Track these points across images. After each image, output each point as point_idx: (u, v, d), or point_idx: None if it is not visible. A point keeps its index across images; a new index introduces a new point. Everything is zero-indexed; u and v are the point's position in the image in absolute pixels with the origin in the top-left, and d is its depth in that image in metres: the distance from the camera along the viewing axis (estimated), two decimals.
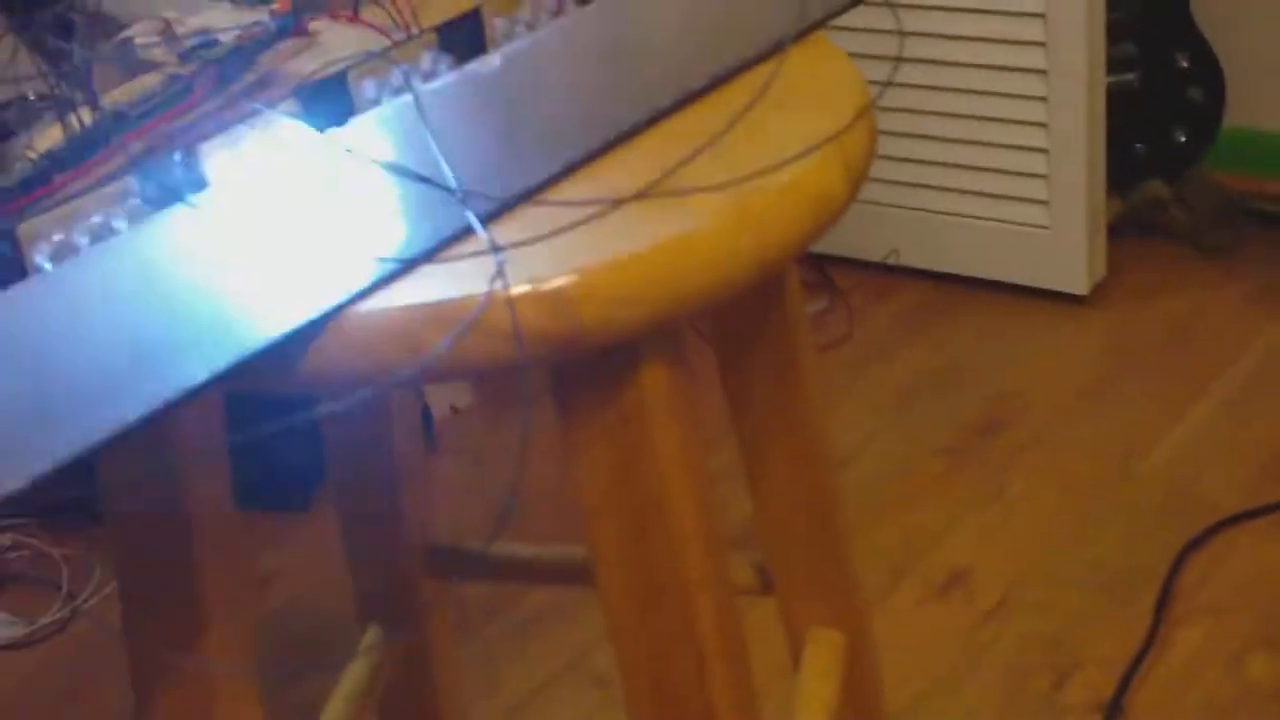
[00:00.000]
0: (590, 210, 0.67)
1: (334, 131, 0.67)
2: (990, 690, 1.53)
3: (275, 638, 1.66)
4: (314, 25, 0.81)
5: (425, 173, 0.64)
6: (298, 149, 0.67)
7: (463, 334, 0.62)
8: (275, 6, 0.80)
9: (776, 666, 1.01)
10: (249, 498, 0.81)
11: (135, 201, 0.65)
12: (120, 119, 0.71)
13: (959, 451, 1.90)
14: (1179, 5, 2.20)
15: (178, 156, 0.64)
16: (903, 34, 1.81)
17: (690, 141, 0.73)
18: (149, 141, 0.70)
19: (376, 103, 0.72)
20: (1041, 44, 2.06)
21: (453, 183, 0.64)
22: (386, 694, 1.12)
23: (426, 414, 1.98)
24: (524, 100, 0.77)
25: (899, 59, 1.66)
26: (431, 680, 1.16)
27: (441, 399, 2.04)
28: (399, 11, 0.78)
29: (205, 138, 0.67)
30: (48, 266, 0.63)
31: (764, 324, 0.94)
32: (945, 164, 2.19)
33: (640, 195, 0.68)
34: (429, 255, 0.65)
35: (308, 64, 0.76)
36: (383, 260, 0.64)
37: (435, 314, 0.63)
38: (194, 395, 0.58)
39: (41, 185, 0.67)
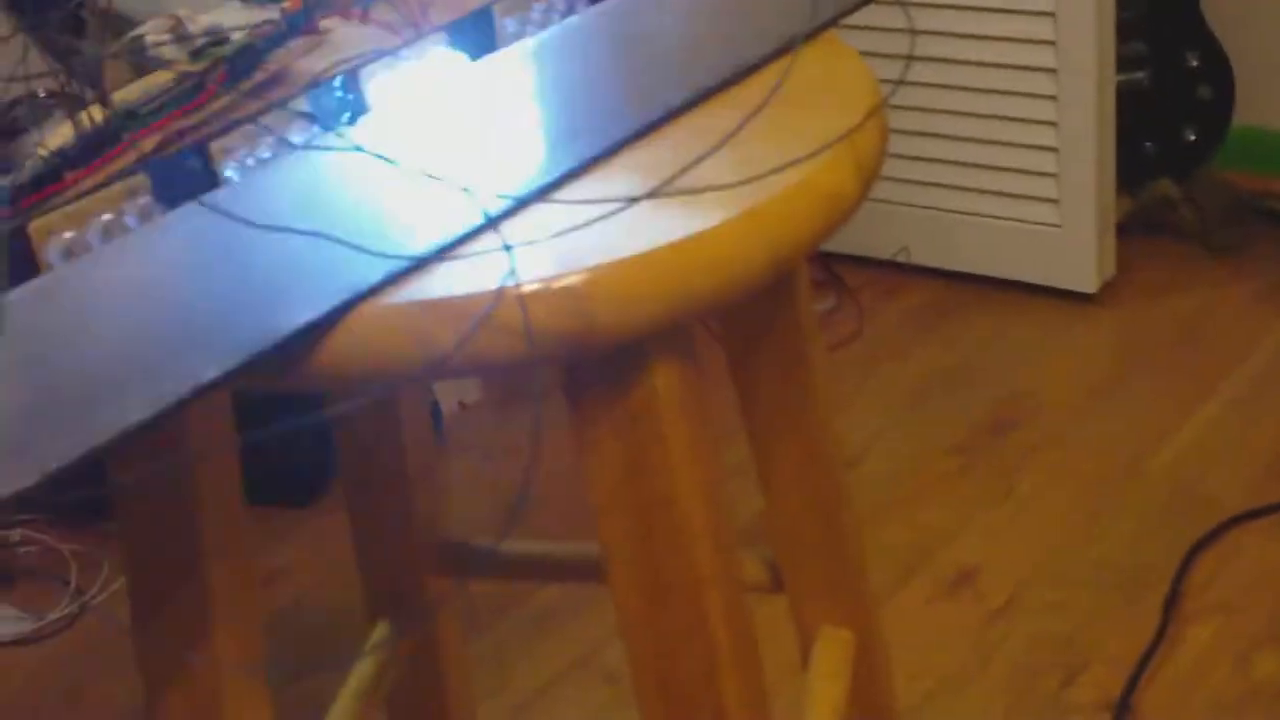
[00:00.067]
0: (602, 208, 0.67)
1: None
2: (999, 689, 1.53)
3: (283, 634, 1.66)
4: (325, 23, 0.81)
5: (436, 170, 0.64)
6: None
7: (474, 331, 0.62)
8: (286, 5, 0.80)
9: (786, 664, 1.01)
10: (256, 493, 0.82)
11: (146, 199, 0.65)
12: (131, 116, 0.72)
13: (968, 450, 1.89)
14: (1189, 4, 2.20)
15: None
16: (914, 32, 1.81)
17: (702, 140, 0.73)
18: (160, 139, 0.70)
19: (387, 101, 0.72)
20: (1051, 43, 2.06)
21: (465, 181, 0.64)
22: (395, 691, 1.12)
23: (435, 409, 1.98)
24: (536, 99, 0.77)
25: (910, 57, 1.66)
26: (440, 677, 1.16)
27: (450, 394, 2.04)
28: (409, 10, 0.78)
29: (216, 136, 0.67)
30: (59, 264, 0.63)
31: (774, 322, 0.94)
32: (955, 162, 2.19)
33: (652, 194, 0.68)
34: (441, 253, 0.65)
35: (318, 62, 0.76)
36: (394, 257, 0.64)
37: (447, 311, 0.63)
38: (205, 392, 0.58)
39: (53, 183, 0.67)
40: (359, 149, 0.64)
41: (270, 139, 0.69)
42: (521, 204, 0.68)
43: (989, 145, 2.16)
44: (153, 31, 0.78)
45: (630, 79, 0.80)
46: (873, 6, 0.88)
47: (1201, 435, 1.87)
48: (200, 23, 0.79)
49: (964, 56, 2.12)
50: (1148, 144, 2.23)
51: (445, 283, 0.64)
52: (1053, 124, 2.09)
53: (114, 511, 0.79)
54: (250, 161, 0.69)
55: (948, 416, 1.96)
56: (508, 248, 0.63)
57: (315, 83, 0.71)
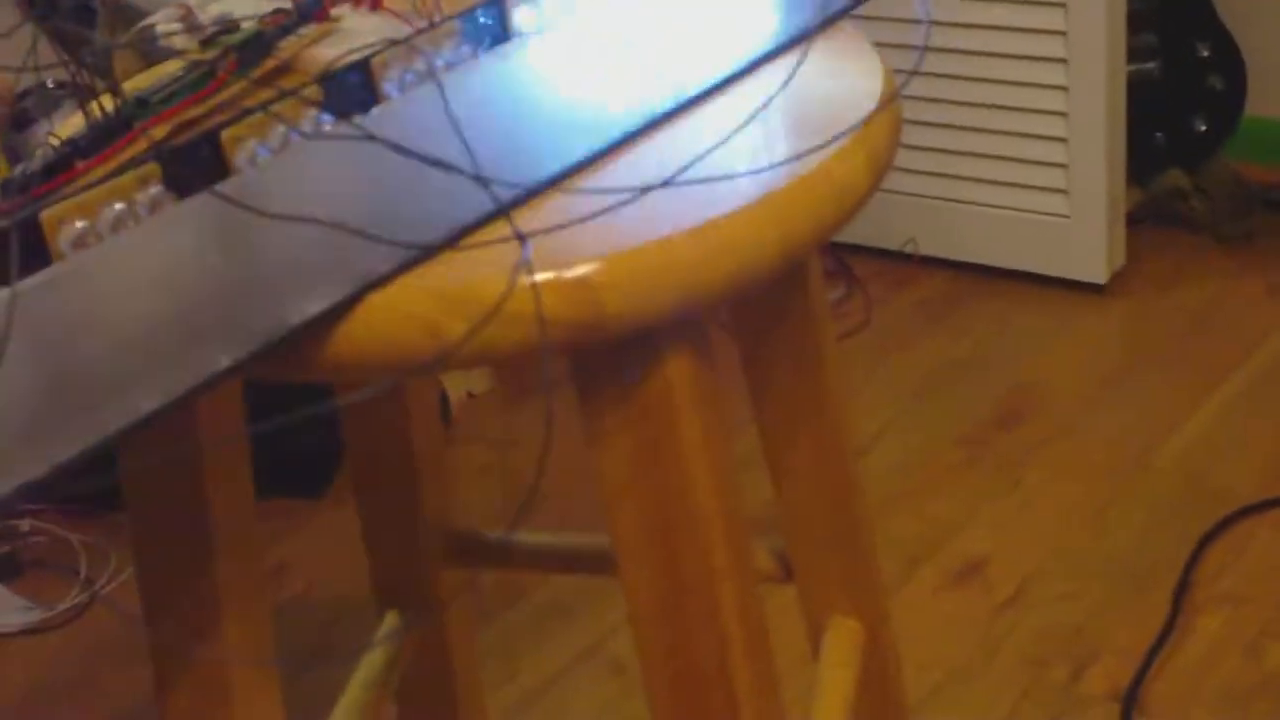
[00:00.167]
0: (614, 198, 0.67)
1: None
2: (1007, 680, 1.53)
3: (292, 625, 1.66)
4: (336, 11, 0.81)
5: (448, 159, 0.64)
6: None
7: (485, 321, 0.62)
8: None
9: (796, 654, 1.01)
10: (265, 484, 0.81)
11: (157, 189, 0.65)
12: (142, 106, 0.71)
13: (976, 441, 1.89)
14: None
15: None
16: (930, 23, 1.80)
17: (714, 130, 0.72)
18: (171, 128, 0.70)
19: (400, 89, 0.72)
20: (1062, 33, 2.05)
21: (477, 169, 0.63)
22: (404, 681, 1.12)
23: (443, 399, 1.98)
24: (548, 87, 0.77)
25: (924, 48, 1.65)
26: (449, 667, 1.16)
27: (458, 385, 2.04)
28: None
29: (227, 124, 0.67)
30: (70, 253, 0.63)
31: (786, 313, 0.94)
32: (964, 153, 2.19)
33: (664, 184, 0.68)
34: (452, 242, 0.65)
35: (329, 51, 0.76)
36: (406, 246, 0.63)
37: (458, 301, 0.63)
38: (215, 382, 0.58)
39: (64, 172, 0.67)
40: (371, 137, 0.64)
41: (281, 128, 0.69)
42: (533, 193, 0.68)
43: (999, 136, 2.15)
44: (163, 20, 0.78)
45: (643, 69, 0.80)
46: None
47: (1211, 426, 1.87)
48: (210, 11, 0.79)
49: (974, 47, 2.12)
50: (1158, 135, 2.23)
51: (457, 272, 0.64)
52: (1063, 114, 2.09)
53: (123, 502, 0.79)
54: (261, 150, 0.69)
55: (956, 407, 1.96)
56: (521, 237, 0.62)
57: (327, 72, 0.71)
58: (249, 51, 0.77)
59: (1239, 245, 2.22)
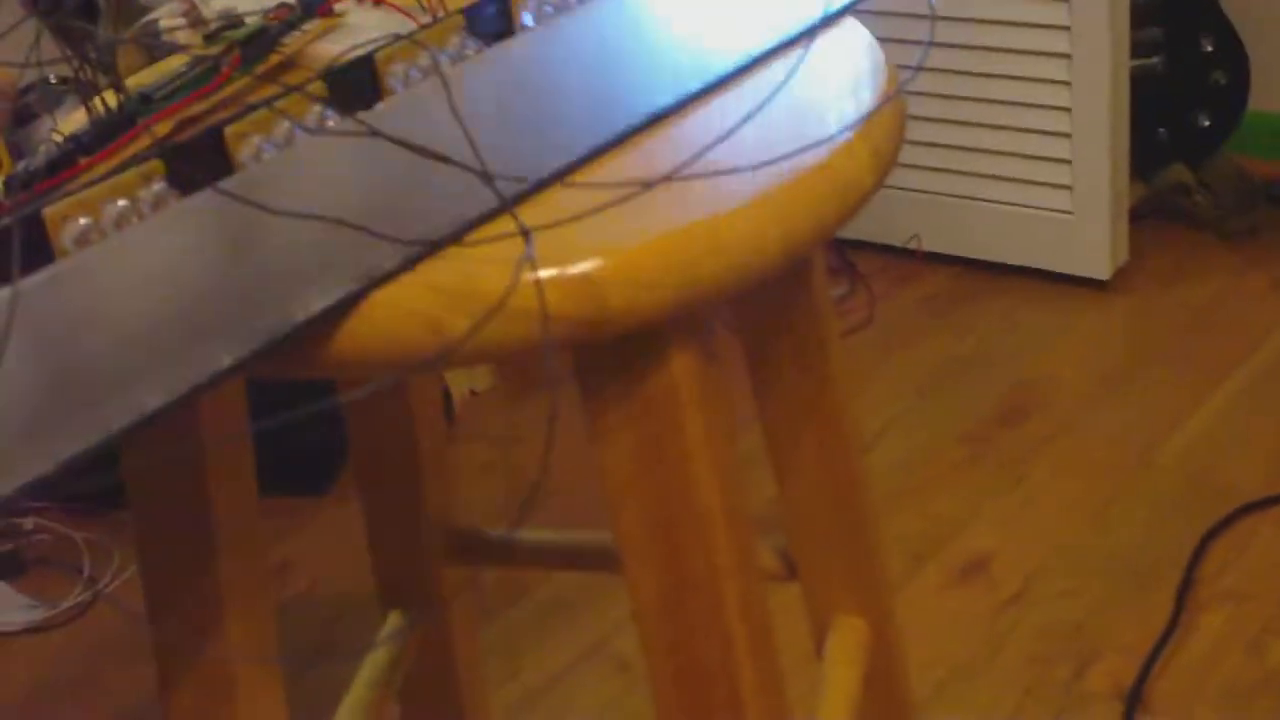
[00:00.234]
0: (617, 193, 0.66)
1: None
2: (1011, 678, 1.52)
3: (296, 622, 1.66)
4: (340, 7, 0.80)
5: (452, 154, 0.64)
6: None
7: (488, 318, 0.62)
8: None
9: (800, 652, 1.01)
10: (269, 481, 0.81)
11: (160, 185, 0.65)
12: (145, 102, 0.71)
13: (979, 438, 1.89)
14: None
15: None
16: (935, 18, 1.80)
17: (718, 125, 0.72)
18: (174, 124, 0.70)
19: (404, 84, 0.71)
20: (1065, 28, 2.05)
21: (481, 164, 0.63)
22: (407, 679, 1.12)
23: (446, 396, 1.98)
24: (552, 82, 0.77)
25: (929, 43, 1.65)
26: (453, 666, 1.16)
27: (461, 381, 2.04)
28: None
29: (231, 120, 0.67)
30: (73, 250, 0.62)
31: (789, 310, 0.94)
32: (968, 148, 2.19)
33: (667, 179, 0.68)
34: (456, 237, 0.65)
35: (333, 46, 0.76)
36: (409, 242, 0.63)
37: (461, 297, 0.63)
38: (219, 380, 0.58)
39: (67, 168, 0.67)
40: (375, 133, 0.64)
41: (285, 124, 0.68)
42: (536, 188, 0.68)
43: (1002, 131, 2.15)
44: (166, 16, 0.78)
45: (646, 63, 0.80)
46: None
47: (1215, 422, 1.86)
48: (214, 6, 0.78)
49: (977, 41, 2.12)
50: (1162, 130, 2.22)
51: (460, 268, 0.64)
52: (1066, 109, 2.09)
53: (127, 500, 0.79)
54: (266, 147, 0.68)
55: (959, 404, 1.95)
56: (526, 233, 0.62)
57: (331, 68, 0.71)
58: (253, 47, 0.76)
59: (1243, 241, 2.22)
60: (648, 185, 0.67)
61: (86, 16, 0.73)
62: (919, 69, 0.82)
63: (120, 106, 0.71)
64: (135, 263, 0.62)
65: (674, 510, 0.72)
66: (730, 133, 0.71)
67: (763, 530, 0.96)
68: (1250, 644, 1.53)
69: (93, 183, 0.63)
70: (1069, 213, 2.13)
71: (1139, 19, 2.12)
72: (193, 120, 0.73)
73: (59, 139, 0.69)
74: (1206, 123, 2.22)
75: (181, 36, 0.77)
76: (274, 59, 0.78)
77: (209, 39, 0.77)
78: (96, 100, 0.70)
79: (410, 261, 0.63)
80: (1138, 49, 2.14)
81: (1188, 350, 2.01)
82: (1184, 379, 1.95)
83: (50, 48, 0.70)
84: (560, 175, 0.69)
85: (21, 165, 0.67)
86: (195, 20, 0.76)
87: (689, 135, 0.73)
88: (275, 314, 0.60)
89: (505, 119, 0.73)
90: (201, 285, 0.62)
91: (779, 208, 0.68)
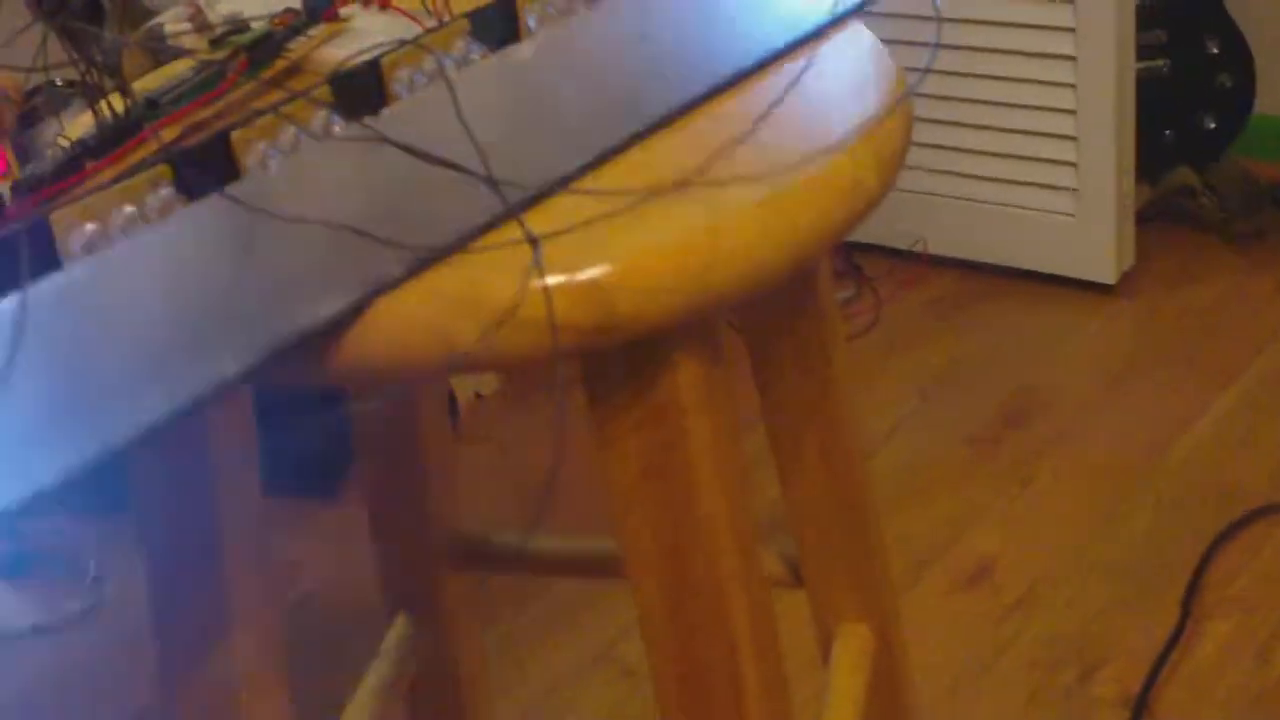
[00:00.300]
0: (624, 200, 0.66)
1: None
2: (1016, 683, 1.52)
3: (302, 627, 1.66)
4: (345, 11, 0.80)
5: (458, 160, 0.63)
6: None
7: (496, 327, 0.62)
8: None
9: (806, 658, 1.00)
10: (275, 485, 0.81)
11: (167, 191, 0.65)
12: (152, 106, 0.71)
13: (985, 441, 1.89)
14: None
15: None
16: (940, 19, 1.80)
17: (724, 131, 0.72)
18: (181, 129, 0.69)
19: (410, 89, 0.71)
20: (1071, 30, 2.05)
21: (486, 170, 0.63)
22: (413, 685, 1.12)
23: (451, 401, 1.98)
24: (558, 87, 0.77)
25: (936, 45, 1.64)
26: (458, 671, 1.16)
27: (466, 386, 2.04)
28: None
29: (237, 125, 0.67)
30: (80, 256, 0.62)
31: (795, 315, 0.94)
32: (973, 151, 2.18)
33: (674, 185, 0.67)
34: (463, 244, 0.65)
35: (339, 51, 0.76)
36: (416, 249, 0.63)
37: (468, 305, 0.63)
38: (225, 389, 0.57)
39: (74, 173, 0.67)
40: (382, 139, 0.64)
41: (292, 129, 0.68)
42: (543, 195, 0.68)
43: (1007, 134, 2.15)
44: (172, 20, 0.77)
45: (651, 69, 0.79)
46: None
47: (1221, 426, 1.86)
48: (219, 11, 0.78)
49: (982, 44, 2.11)
50: (1167, 132, 2.22)
51: (467, 275, 0.64)
52: (1072, 112, 2.08)
53: (133, 507, 0.79)
54: (272, 152, 0.68)
55: (965, 407, 1.95)
56: (533, 240, 0.62)
57: (337, 73, 0.71)
58: (259, 52, 0.76)
59: (1249, 243, 2.21)
60: (654, 192, 0.67)
61: (92, 19, 0.73)
62: (925, 71, 0.82)
63: (127, 111, 0.71)
64: (142, 269, 0.62)
65: (679, 516, 0.72)
66: (737, 139, 0.71)
67: (768, 533, 0.95)
68: (1258, 651, 1.53)
69: (100, 188, 0.63)
70: (1074, 216, 2.13)
71: (1144, 21, 2.12)
72: (199, 126, 0.73)
73: (65, 143, 0.69)
74: (1212, 125, 2.22)
75: (187, 41, 0.76)
76: (279, 64, 0.77)
77: (214, 44, 0.77)
78: (103, 104, 0.70)
79: (417, 269, 0.63)
80: (1143, 51, 2.14)
81: (1194, 353, 2.01)
82: (1190, 382, 1.95)
83: (56, 51, 0.70)
84: (566, 181, 0.69)
85: (28, 169, 0.67)
86: (201, 25, 0.76)
87: (696, 140, 0.73)
88: (282, 321, 0.60)
89: (511, 124, 0.73)
90: (208, 292, 0.61)
91: (786, 214, 0.68)
